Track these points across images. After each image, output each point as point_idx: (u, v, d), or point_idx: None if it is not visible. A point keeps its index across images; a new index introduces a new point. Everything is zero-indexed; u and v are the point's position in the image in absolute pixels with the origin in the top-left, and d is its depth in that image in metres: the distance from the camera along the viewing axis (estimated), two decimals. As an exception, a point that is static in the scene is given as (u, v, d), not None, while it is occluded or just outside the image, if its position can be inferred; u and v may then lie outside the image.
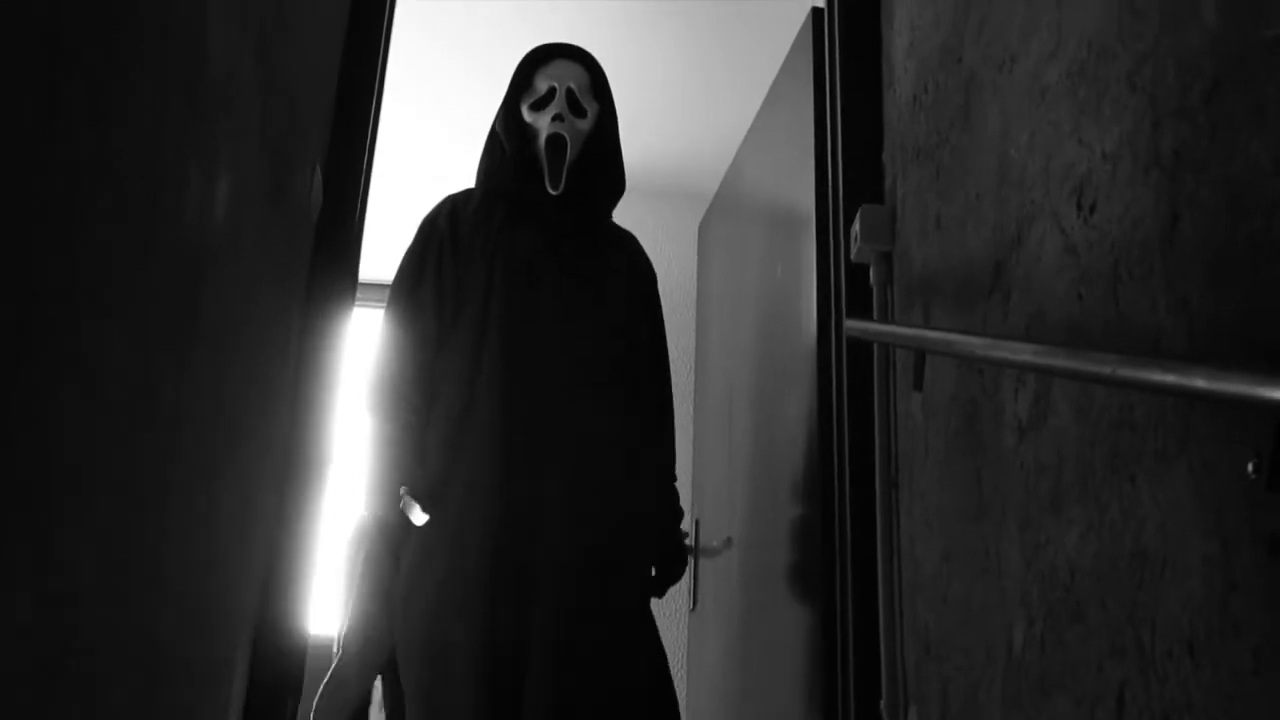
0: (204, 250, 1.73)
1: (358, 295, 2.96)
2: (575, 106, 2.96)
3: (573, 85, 2.98)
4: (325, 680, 2.69)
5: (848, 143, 3.08)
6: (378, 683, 2.81)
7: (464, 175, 5.85)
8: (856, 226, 2.88)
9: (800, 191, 3.32)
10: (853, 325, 2.76)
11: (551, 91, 2.96)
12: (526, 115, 2.97)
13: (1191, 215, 1.51)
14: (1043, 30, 2.03)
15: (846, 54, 3.16)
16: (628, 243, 3.15)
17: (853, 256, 2.92)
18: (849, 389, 2.91)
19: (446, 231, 2.96)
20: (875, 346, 2.80)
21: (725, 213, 4.56)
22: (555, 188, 2.86)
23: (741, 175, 4.27)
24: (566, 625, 2.60)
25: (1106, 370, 1.49)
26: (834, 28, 3.21)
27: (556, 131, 2.89)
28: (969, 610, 2.18)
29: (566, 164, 2.88)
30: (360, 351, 6.28)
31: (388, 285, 6.84)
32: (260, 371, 2.29)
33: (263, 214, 2.15)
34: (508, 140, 2.97)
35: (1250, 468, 1.31)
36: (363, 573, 2.79)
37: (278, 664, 2.57)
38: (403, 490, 2.77)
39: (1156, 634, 1.51)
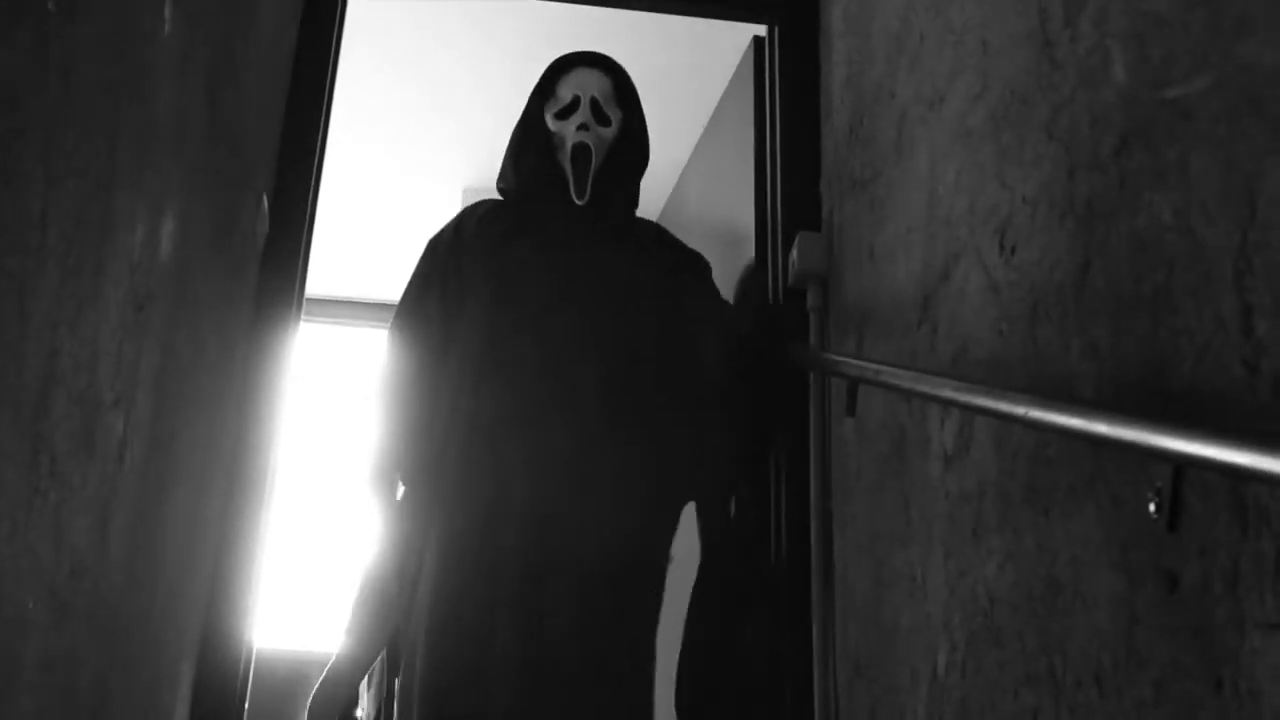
0: (151, 284, 1.78)
1: (305, 311, 3.00)
2: (599, 114, 2.92)
3: (596, 93, 2.94)
4: (319, 681, 2.67)
5: (787, 171, 3.14)
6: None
7: (412, 192, 5.93)
8: (794, 253, 2.94)
9: (742, 217, 3.37)
10: (790, 351, 2.83)
11: (576, 100, 2.92)
12: (551, 124, 2.93)
13: (1102, 263, 1.58)
14: (969, 73, 2.10)
15: (786, 84, 3.23)
16: (653, 241, 3.06)
17: (790, 283, 2.98)
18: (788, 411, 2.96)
19: (451, 243, 2.90)
20: (811, 372, 2.87)
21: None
22: (581, 197, 2.83)
23: (686, 198, 4.32)
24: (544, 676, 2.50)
25: (1020, 411, 1.56)
26: (774, 57, 3.28)
27: (581, 140, 2.85)
28: (897, 633, 2.24)
29: (592, 173, 2.83)
30: (309, 365, 6.27)
31: (335, 301, 6.87)
32: (206, 391, 2.33)
33: (210, 245, 2.20)
34: (531, 149, 2.94)
35: (1152, 508, 1.38)
36: (362, 581, 2.74)
37: (223, 677, 2.61)
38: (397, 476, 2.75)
39: (1067, 663, 1.58)
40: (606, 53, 3.05)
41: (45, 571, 1.43)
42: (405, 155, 5.67)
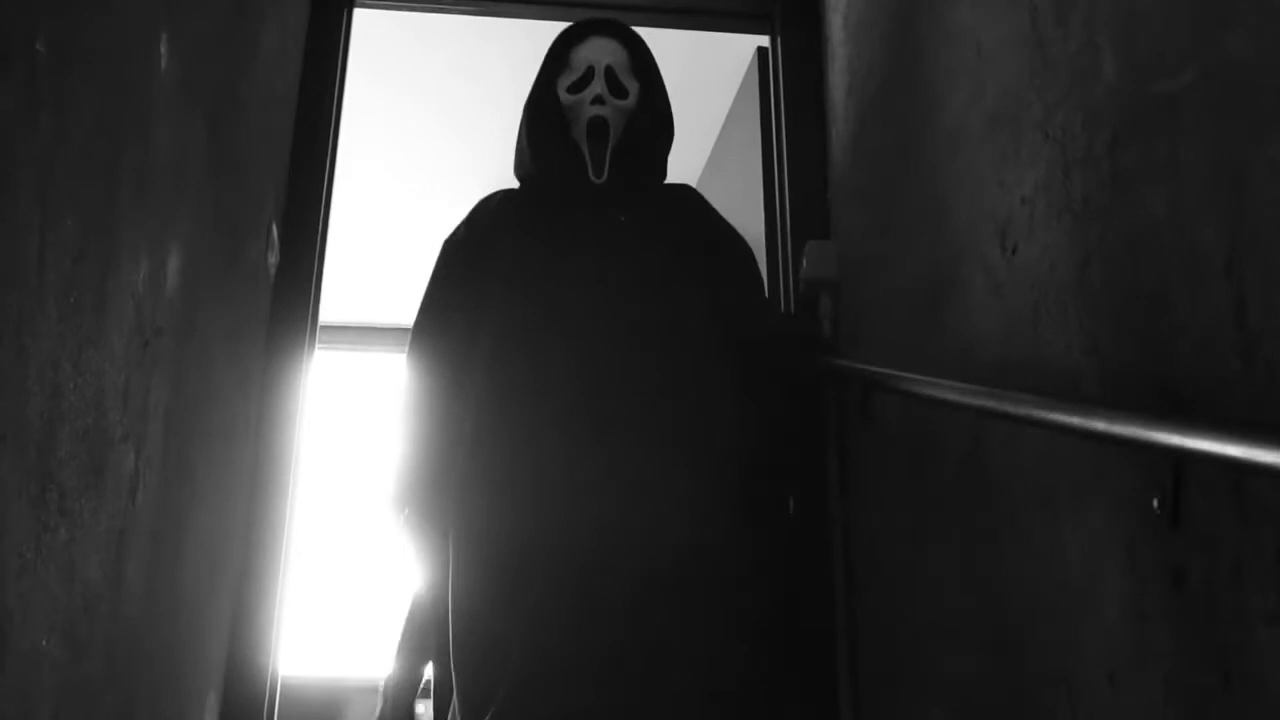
0: (158, 317, 1.79)
1: (320, 339, 3.02)
2: (615, 86, 2.64)
3: (611, 63, 2.66)
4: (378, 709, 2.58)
5: (794, 180, 3.14)
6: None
7: (421, 214, 5.96)
8: (804, 262, 2.94)
9: (754, 226, 3.38)
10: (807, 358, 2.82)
11: (590, 71, 2.65)
12: (563, 97, 2.65)
13: (1099, 260, 1.57)
14: (965, 76, 2.10)
15: (790, 93, 3.23)
16: (688, 210, 2.72)
17: (801, 290, 2.98)
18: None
19: (465, 239, 2.65)
20: (826, 378, 2.86)
21: (685, 245, 4.61)
22: (599, 175, 2.57)
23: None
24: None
25: (1024, 411, 1.56)
26: (777, 67, 3.29)
27: (598, 114, 2.59)
28: (917, 636, 2.23)
29: (610, 149, 2.59)
30: (327, 392, 6.27)
31: (351, 328, 6.89)
32: (222, 421, 2.34)
33: (218, 276, 2.21)
34: (543, 126, 2.67)
35: (1155, 504, 1.38)
36: (406, 619, 2.64)
37: (249, 707, 2.62)
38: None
39: (1081, 663, 1.57)
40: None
41: (58, 608, 1.45)
42: (417, 178, 5.70)
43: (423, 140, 5.42)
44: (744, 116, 3.60)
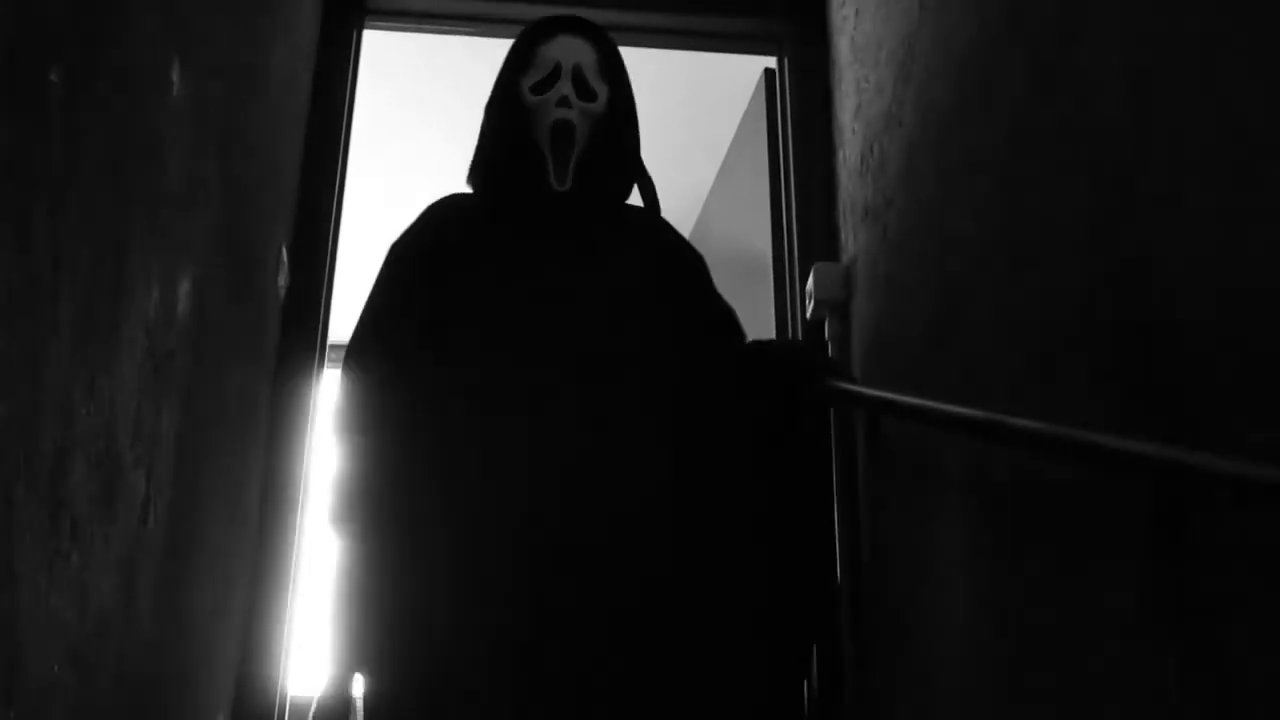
0: (169, 343, 1.80)
1: (329, 359, 3.03)
2: (583, 88, 2.45)
3: (580, 63, 2.48)
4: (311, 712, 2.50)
5: (802, 201, 3.15)
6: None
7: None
8: (811, 283, 2.95)
9: (762, 247, 3.39)
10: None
11: (557, 70, 2.46)
12: (527, 98, 2.46)
13: (1106, 285, 1.58)
14: (973, 100, 2.11)
15: (797, 114, 3.25)
16: (645, 233, 2.57)
17: (808, 314, 2.98)
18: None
19: (414, 245, 2.50)
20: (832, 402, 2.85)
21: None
22: (561, 183, 2.39)
23: (708, 231, 4.34)
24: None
25: (1030, 434, 1.57)
26: (784, 88, 3.30)
27: (563, 117, 2.41)
28: (932, 664, 2.23)
29: (575, 155, 2.41)
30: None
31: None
32: (232, 444, 2.35)
33: (229, 300, 2.22)
34: (504, 128, 2.51)
35: (1159, 525, 1.39)
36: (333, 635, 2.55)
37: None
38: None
39: (1088, 680, 1.58)
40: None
41: (69, 634, 1.45)
42: (427, 200, 5.70)
43: (431, 160, 5.43)
44: (751, 137, 3.61)
